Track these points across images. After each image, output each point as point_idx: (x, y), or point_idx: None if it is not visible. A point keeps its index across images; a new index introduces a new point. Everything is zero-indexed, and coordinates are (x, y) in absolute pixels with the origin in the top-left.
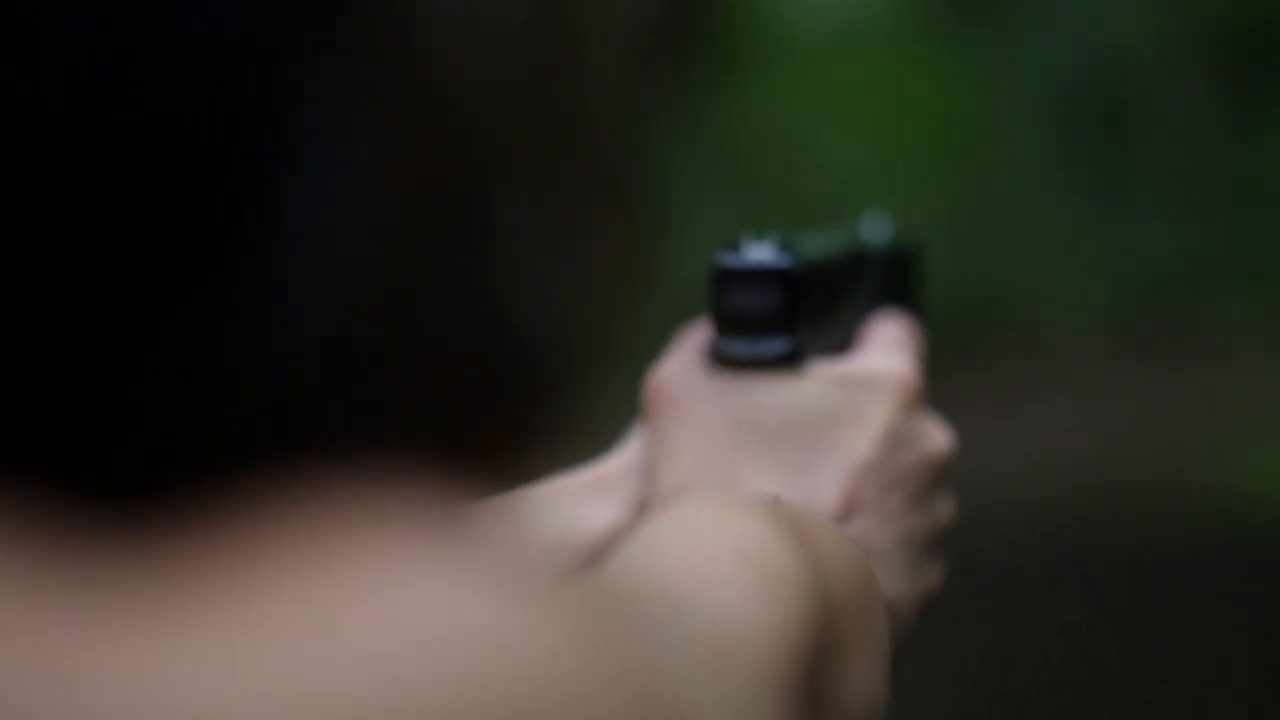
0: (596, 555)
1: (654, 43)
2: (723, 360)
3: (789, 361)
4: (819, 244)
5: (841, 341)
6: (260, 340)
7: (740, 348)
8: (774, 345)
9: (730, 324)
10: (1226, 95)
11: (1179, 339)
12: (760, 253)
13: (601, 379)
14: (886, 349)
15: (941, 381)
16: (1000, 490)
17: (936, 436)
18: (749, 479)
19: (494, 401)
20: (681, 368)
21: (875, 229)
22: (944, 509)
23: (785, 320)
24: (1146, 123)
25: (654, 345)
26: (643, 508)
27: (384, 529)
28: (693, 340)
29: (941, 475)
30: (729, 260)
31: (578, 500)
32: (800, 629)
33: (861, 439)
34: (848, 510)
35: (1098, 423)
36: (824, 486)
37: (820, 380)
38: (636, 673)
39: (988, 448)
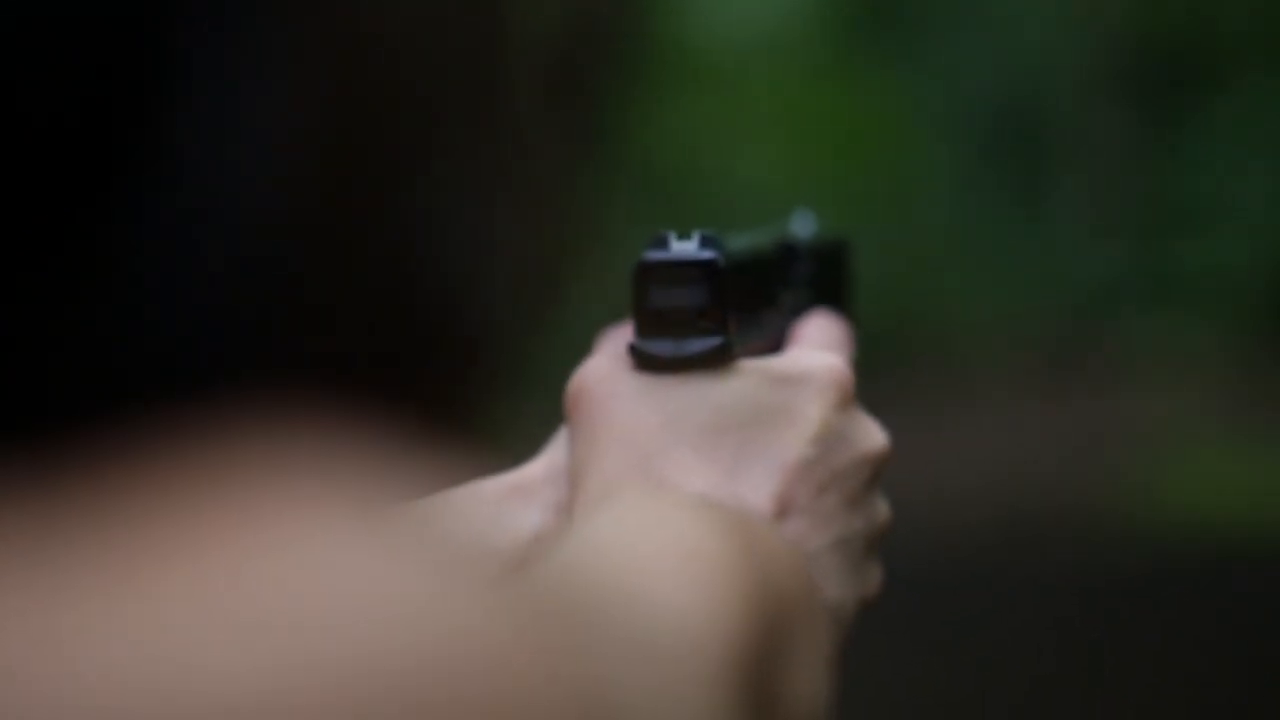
0: (519, 562)
1: (575, 56)
2: (648, 362)
3: (718, 359)
4: (746, 240)
5: (772, 341)
6: (165, 276)
7: (666, 348)
8: (702, 343)
9: (655, 323)
10: (1143, 118)
11: (1096, 358)
12: (685, 247)
13: (526, 355)
14: (819, 346)
15: (858, 399)
16: (917, 508)
17: (873, 434)
18: (678, 481)
19: (413, 352)
20: (604, 368)
21: (804, 227)
22: (881, 510)
23: (713, 316)
24: (1064, 144)
25: (571, 360)
26: (566, 513)
27: (295, 480)
28: (616, 340)
29: (877, 475)
30: (653, 255)
31: (498, 506)
32: (742, 626)
33: (794, 438)
34: (781, 511)
35: (1014, 441)
36: (756, 487)
37: (750, 377)
38: (569, 658)
39: (903, 466)
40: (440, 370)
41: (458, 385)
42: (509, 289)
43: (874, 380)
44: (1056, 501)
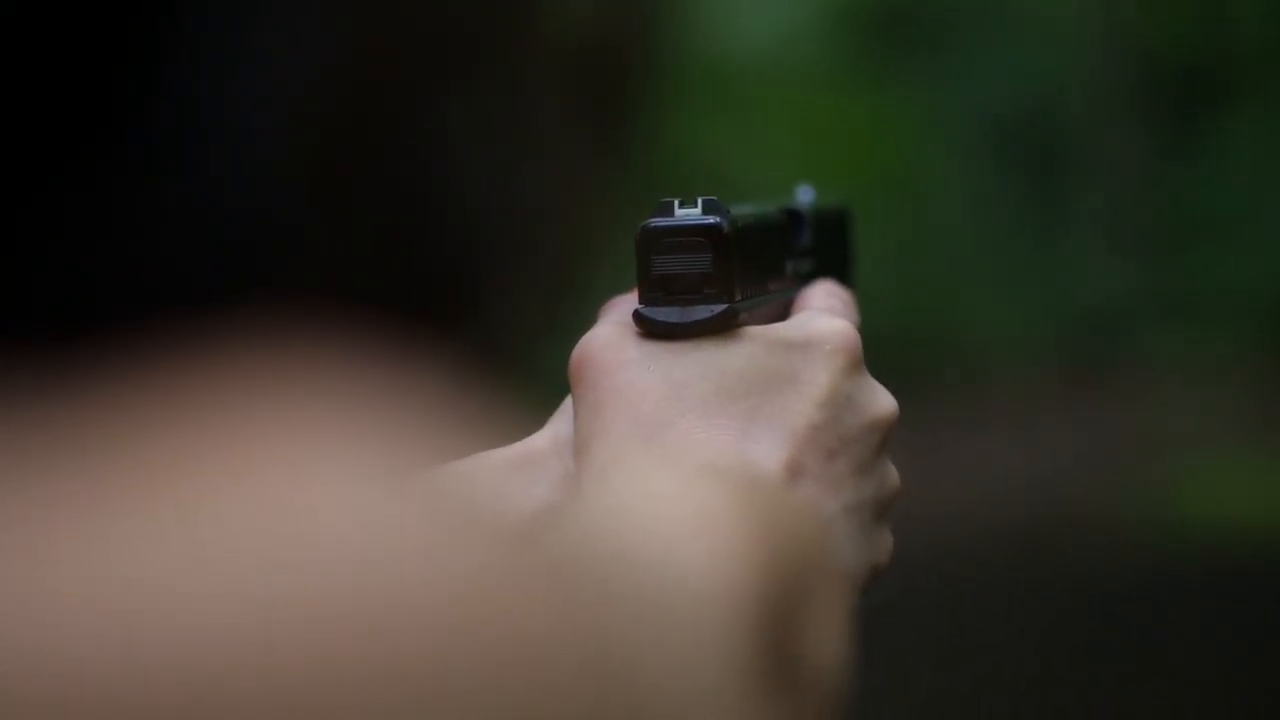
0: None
1: (604, 55)
2: (653, 329)
3: (724, 325)
4: (750, 208)
5: (778, 308)
6: (178, 194)
7: (672, 314)
8: (708, 309)
9: (661, 289)
10: (1160, 133)
11: (1113, 372)
12: (690, 213)
13: (548, 300)
14: (826, 311)
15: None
16: (934, 521)
17: (881, 400)
18: (686, 449)
19: (420, 292)
20: (609, 336)
21: (806, 198)
22: (892, 476)
23: (719, 282)
24: (1080, 159)
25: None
26: (572, 484)
27: (295, 408)
28: (620, 308)
29: (886, 441)
30: (657, 222)
31: (504, 477)
32: (759, 587)
33: (804, 403)
34: (791, 477)
35: (1031, 454)
36: (766, 453)
37: (758, 343)
38: (584, 612)
39: (919, 480)
40: (449, 318)
41: (470, 337)
42: (525, 252)
43: (895, 396)
44: (1073, 513)
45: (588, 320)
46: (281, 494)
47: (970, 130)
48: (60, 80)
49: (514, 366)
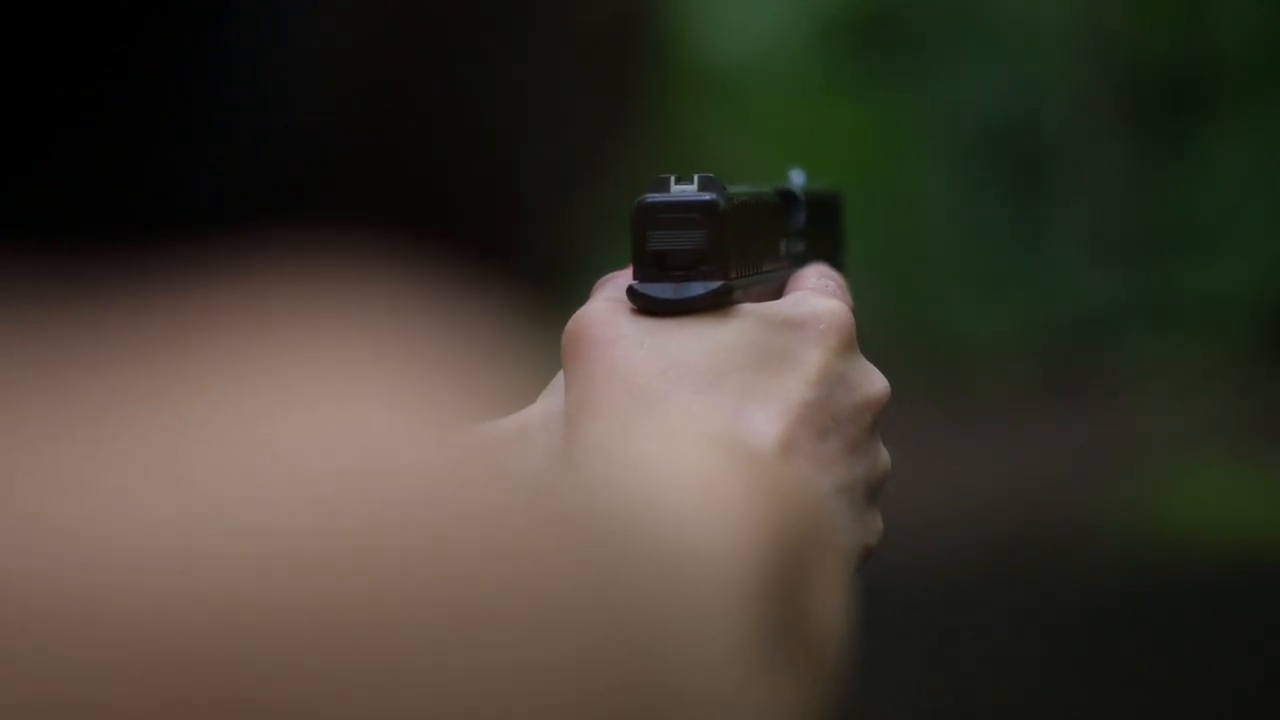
0: None
1: (613, 50)
2: (648, 305)
3: (719, 302)
4: (745, 187)
5: (772, 288)
6: (221, 119)
7: (666, 290)
8: (702, 286)
9: (655, 265)
10: (1143, 141)
11: (1096, 379)
12: (685, 189)
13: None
14: (819, 291)
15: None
16: (916, 527)
17: (873, 379)
18: (680, 425)
19: (455, 228)
20: (603, 312)
21: (798, 181)
22: (883, 457)
23: (713, 259)
24: (1064, 167)
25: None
26: (563, 458)
27: (331, 332)
28: (614, 284)
29: (878, 421)
30: (652, 198)
31: (500, 448)
32: (763, 552)
33: (797, 381)
34: (785, 455)
35: (1014, 461)
36: (759, 431)
37: (752, 320)
38: (598, 560)
39: (902, 485)
40: (485, 255)
41: (507, 276)
42: (554, 201)
43: None
44: (1056, 520)
45: (581, 296)
46: (318, 422)
47: (955, 138)
48: (114, 4)
49: (550, 299)
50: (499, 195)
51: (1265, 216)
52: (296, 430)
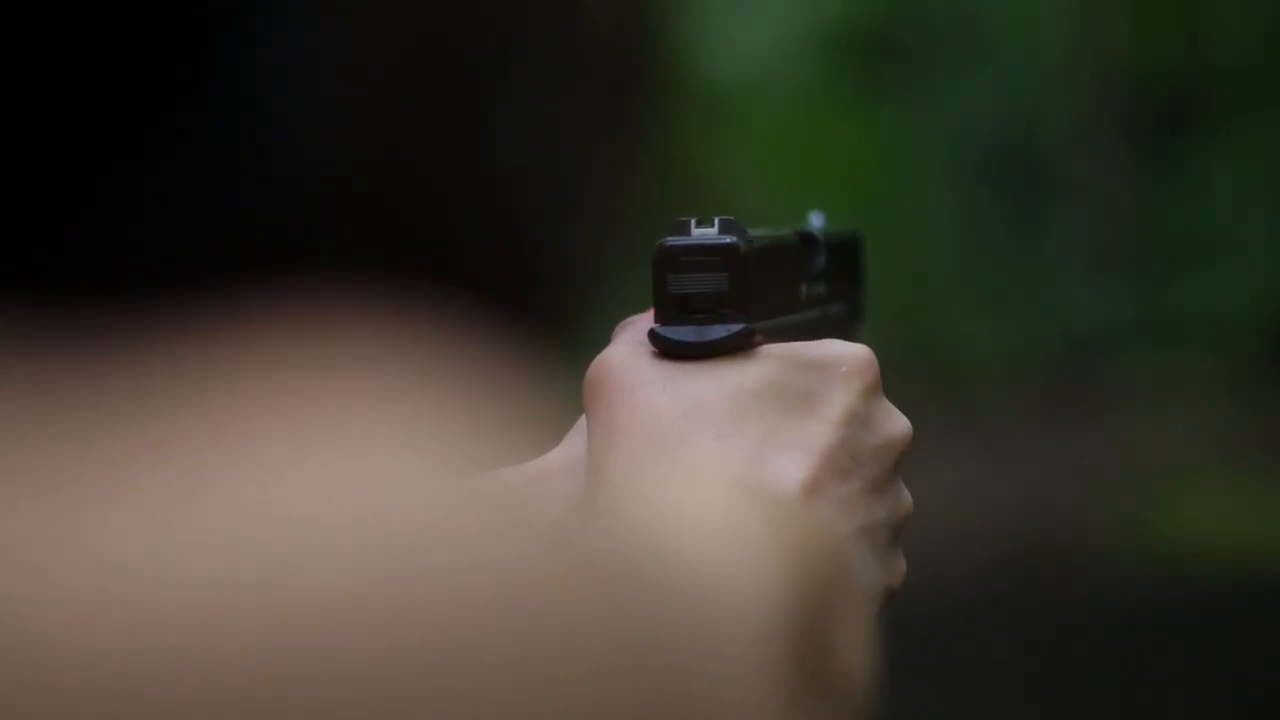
0: None
1: (620, 68)
2: (669, 349)
3: (741, 345)
4: (765, 231)
5: (793, 333)
6: (227, 163)
7: (688, 334)
8: (724, 329)
9: (677, 309)
10: (1142, 156)
11: (1095, 395)
12: (706, 232)
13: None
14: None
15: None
16: (920, 543)
17: (896, 421)
18: (703, 470)
19: (468, 270)
20: (624, 356)
21: (818, 224)
22: (905, 499)
23: (735, 302)
24: (1063, 182)
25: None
26: (586, 504)
27: (341, 376)
28: (635, 328)
29: (899, 462)
30: (673, 241)
31: (520, 493)
32: (787, 599)
33: (820, 423)
34: (808, 498)
35: (1012, 477)
36: (783, 474)
37: (774, 362)
38: (618, 607)
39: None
40: (498, 296)
41: (520, 316)
42: (566, 236)
43: None
44: (1054, 537)
45: (602, 339)
46: (330, 472)
47: (955, 155)
48: (124, 40)
49: (564, 343)
50: (505, 235)
51: (1265, 233)
52: (308, 481)
